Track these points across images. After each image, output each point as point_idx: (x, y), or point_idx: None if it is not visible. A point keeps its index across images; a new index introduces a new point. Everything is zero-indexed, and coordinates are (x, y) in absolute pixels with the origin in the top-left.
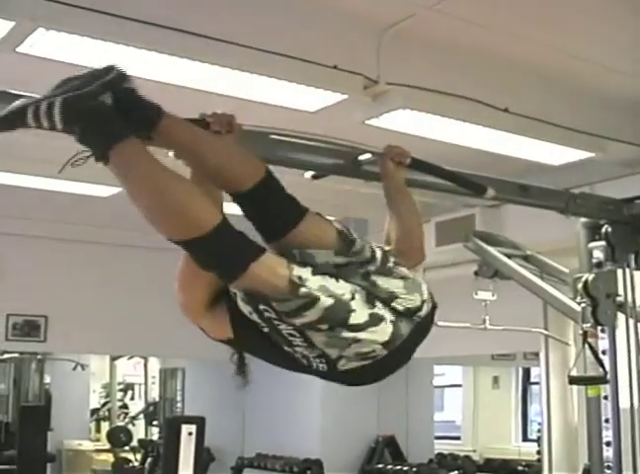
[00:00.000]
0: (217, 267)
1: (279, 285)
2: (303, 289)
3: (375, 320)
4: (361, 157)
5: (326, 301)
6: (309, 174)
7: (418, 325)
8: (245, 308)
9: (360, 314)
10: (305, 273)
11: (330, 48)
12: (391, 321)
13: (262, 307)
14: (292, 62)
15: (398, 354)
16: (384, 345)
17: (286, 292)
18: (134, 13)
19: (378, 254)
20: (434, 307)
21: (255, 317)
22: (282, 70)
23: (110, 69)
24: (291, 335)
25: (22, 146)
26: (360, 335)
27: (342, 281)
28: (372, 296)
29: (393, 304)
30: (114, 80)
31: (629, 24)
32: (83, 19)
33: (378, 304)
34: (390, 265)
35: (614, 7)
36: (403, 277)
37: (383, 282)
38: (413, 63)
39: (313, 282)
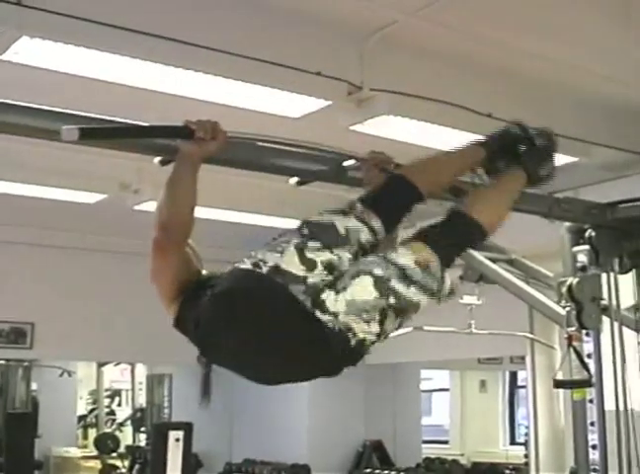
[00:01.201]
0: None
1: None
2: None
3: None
4: (346, 163)
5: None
6: (294, 180)
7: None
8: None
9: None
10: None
11: (314, 55)
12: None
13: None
14: (276, 69)
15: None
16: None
17: None
18: (119, 21)
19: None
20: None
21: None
22: (266, 77)
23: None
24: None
25: (8, 153)
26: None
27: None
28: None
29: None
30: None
31: (612, 29)
32: (67, 27)
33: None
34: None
35: (596, 12)
36: None
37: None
38: (396, 69)
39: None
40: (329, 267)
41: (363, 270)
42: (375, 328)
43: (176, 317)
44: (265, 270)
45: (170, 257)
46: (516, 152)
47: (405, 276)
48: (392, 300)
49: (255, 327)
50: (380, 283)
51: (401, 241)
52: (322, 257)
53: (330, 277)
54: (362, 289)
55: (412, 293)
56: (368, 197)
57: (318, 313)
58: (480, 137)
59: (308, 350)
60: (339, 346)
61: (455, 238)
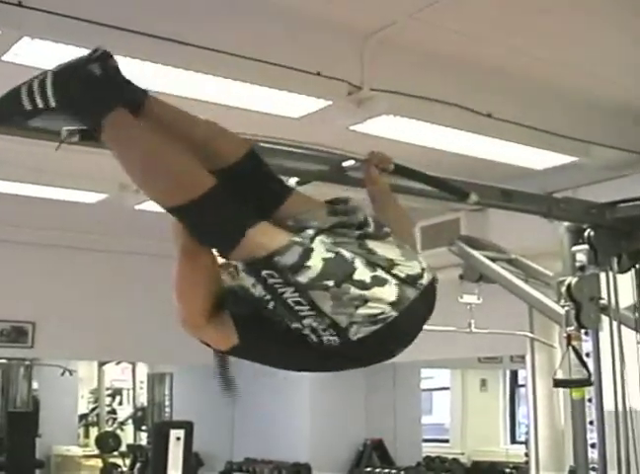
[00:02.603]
0: (213, 234)
1: (275, 244)
2: (303, 241)
3: (379, 281)
4: (345, 163)
5: (326, 253)
6: (294, 180)
7: (421, 293)
8: (248, 281)
9: (363, 273)
10: (304, 232)
11: (314, 55)
12: (395, 284)
13: (265, 273)
14: (276, 69)
15: (408, 317)
16: (393, 305)
17: (285, 246)
18: (118, 21)
19: (371, 219)
20: (434, 278)
21: (259, 289)
22: (266, 77)
23: (96, 49)
24: (297, 303)
25: (8, 153)
26: (368, 293)
27: (340, 247)
28: (372, 263)
29: (394, 271)
30: (100, 55)
31: (612, 29)
32: (69, 28)
33: (379, 270)
34: (386, 229)
35: (597, 13)
36: (399, 245)
37: (380, 250)
38: (396, 70)
39: (314, 239)
40: (371, 266)
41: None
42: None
43: (240, 338)
44: (393, 313)
45: (201, 260)
46: None
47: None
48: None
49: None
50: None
51: None
52: (364, 268)
53: None
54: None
55: None
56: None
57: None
58: None
59: None
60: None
61: None
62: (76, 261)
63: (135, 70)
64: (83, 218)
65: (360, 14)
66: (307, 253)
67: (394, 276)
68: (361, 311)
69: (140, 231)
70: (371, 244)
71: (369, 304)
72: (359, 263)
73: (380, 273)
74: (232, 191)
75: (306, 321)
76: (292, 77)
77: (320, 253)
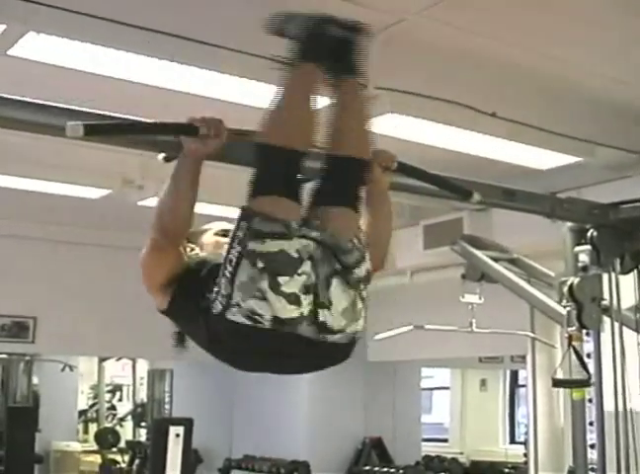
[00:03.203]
0: (260, 177)
1: (267, 215)
2: (279, 229)
3: (293, 299)
4: None
5: (289, 249)
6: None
7: (316, 342)
8: (233, 230)
9: (291, 285)
10: (303, 230)
11: None
12: (301, 314)
13: (242, 223)
14: (280, 67)
15: (276, 343)
16: (275, 320)
17: (275, 219)
18: (124, 17)
19: (363, 271)
20: (350, 343)
21: (233, 242)
22: (269, 74)
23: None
24: (230, 261)
25: (11, 147)
26: (271, 296)
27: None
28: (312, 288)
29: (319, 310)
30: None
31: (618, 30)
32: (74, 23)
33: (310, 297)
34: (362, 287)
35: (603, 12)
36: (357, 303)
37: (334, 290)
38: (401, 68)
39: (294, 237)
40: (307, 289)
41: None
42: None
43: (169, 305)
44: (267, 325)
45: (167, 256)
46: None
47: None
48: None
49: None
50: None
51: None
52: (297, 285)
53: (314, 298)
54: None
55: None
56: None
57: (324, 336)
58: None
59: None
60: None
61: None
62: (78, 256)
63: (141, 66)
64: (86, 214)
65: (366, 11)
66: (278, 236)
67: (314, 313)
68: (253, 302)
69: (143, 227)
70: (336, 283)
71: (263, 304)
72: (301, 279)
73: (308, 299)
74: (320, 171)
75: (222, 280)
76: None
77: (287, 244)
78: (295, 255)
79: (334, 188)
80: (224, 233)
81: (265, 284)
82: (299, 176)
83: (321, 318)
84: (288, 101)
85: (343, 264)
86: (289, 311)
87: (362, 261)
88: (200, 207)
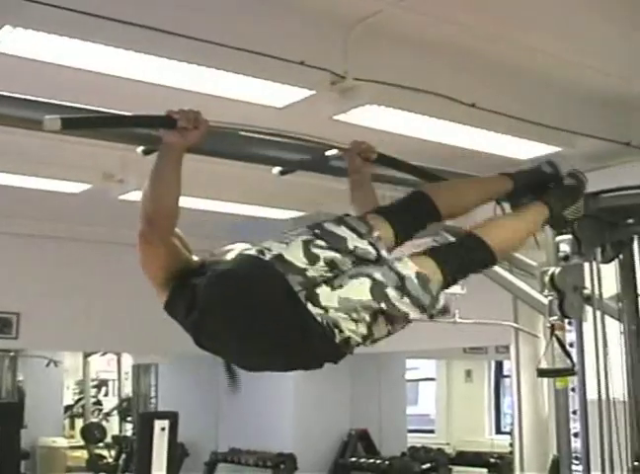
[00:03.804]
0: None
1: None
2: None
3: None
4: (328, 153)
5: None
6: (277, 170)
7: (301, 303)
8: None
9: (303, 257)
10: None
11: (297, 44)
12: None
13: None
14: (259, 58)
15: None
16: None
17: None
18: (102, 10)
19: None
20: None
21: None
22: (250, 66)
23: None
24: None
25: None
26: (282, 249)
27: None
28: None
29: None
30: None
31: (598, 20)
32: (49, 16)
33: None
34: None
35: (584, 3)
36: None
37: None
38: (380, 59)
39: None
40: (331, 264)
41: (363, 272)
42: (363, 329)
43: (167, 300)
44: (268, 257)
45: (156, 248)
46: (543, 188)
47: (402, 286)
48: (384, 305)
49: (247, 311)
50: (377, 287)
51: (410, 253)
52: (326, 254)
53: (329, 274)
54: (358, 290)
55: (403, 304)
56: (386, 208)
57: (309, 305)
58: (510, 170)
59: (293, 339)
60: (323, 339)
61: (465, 260)
62: (60, 251)
63: (119, 59)
64: (67, 208)
65: (344, 2)
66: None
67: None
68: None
69: (124, 221)
70: (339, 288)
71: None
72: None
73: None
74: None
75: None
76: (276, 66)
77: (403, 267)
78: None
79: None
80: None
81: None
82: None
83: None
84: None
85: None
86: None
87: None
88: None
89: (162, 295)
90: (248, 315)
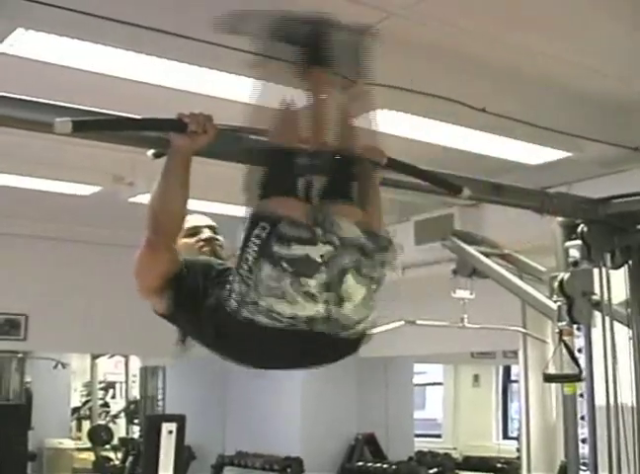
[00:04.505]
0: (258, 182)
1: (301, 216)
2: (306, 234)
3: (310, 298)
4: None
5: (310, 251)
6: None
7: (328, 338)
8: (247, 231)
9: (310, 284)
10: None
11: None
12: (317, 311)
13: (262, 224)
14: (268, 62)
15: (292, 338)
16: (293, 317)
17: (295, 226)
18: (111, 13)
19: (389, 255)
20: (360, 338)
21: (243, 234)
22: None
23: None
24: (247, 260)
25: (1, 145)
26: (291, 295)
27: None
28: (329, 287)
29: (333, 307)
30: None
31: (606, 25)
32: (62, 19)
33: (325, 295)
34: (380, 277)
35: (592, 8)
36: (365, 298)
37: (348, 287)
38: (390, 63)
39: (319, 243)
40: (323, 288)
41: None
42: None
43: (170, 304)
44: (284, 322)
45: (162, 255)
46: None
47: None
48: None
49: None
50: None
51: None
52: (316, 284)
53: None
54: None
55: None
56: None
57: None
58: None
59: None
60: None
61: None
62: (70, 253)
63: (129, 62)
64: (76, 211)
65: (353, 8)
66: (304, 241)
67: (328, 310)
68: (272, 301)
69: (134, 224)
70: (350, 278)
71: (282, 302)
72: (322, 277)
73: (324, 297)
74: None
75: (235, 278)
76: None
77: (312, 250)
78: (319, 259)
79: (335, 184)
80: (192, 232)
81: (286, 284)
82: (307, 174)
83: (334, 315)
84: (290, 104)
85: (367, 254)
86: (307, 309)
87: (388, 246)
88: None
89: (158, 302)
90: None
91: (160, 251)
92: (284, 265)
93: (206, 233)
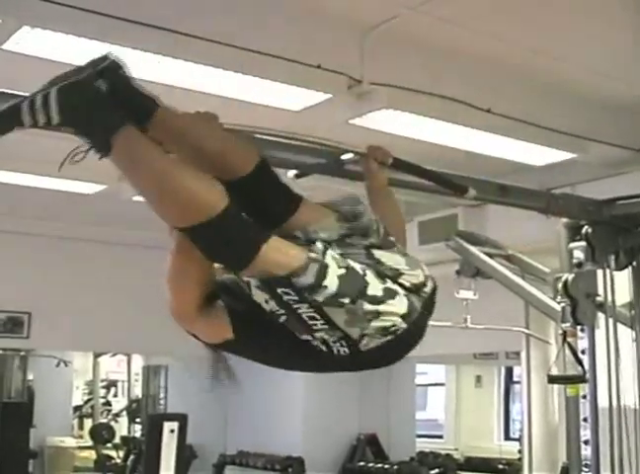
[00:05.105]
0: (227, 252)
1: (292, 264)
2: (317, 256)
3: (391, 293)
4: (344, 157)
5: (339, 270)
6: (292, 173)
7: (425, 301)
8: (261, 297)
9: (375, 286)
10: (315, 247)
11: (314, 48)
12: (404, 295)
13: (280, 290)
14: (276, 62)
15: (415, 328)
16: (404, 317)
17: (302, 266)
18: (119, 11)
19: (381, 226)
20: (435, 286)
21: (272, 304)
22: (267, 69)
23: (104, 58)
24: (312, 318)
25: (6, 143)
26: (381, 307)
27: (349, 260)
28: (381, 273)
29: (400, 280)
30: (109, 67)
31: (611, 26)
32: (68, 17)
33: (388, 281)
34: (391, 239)
35: (598, 9)
36: (403, 254)
37: (387, 259)
38: (396, 63)
39: (325, 254)
40: (380, 277)
41: None
42: None
43: (235, 333)
44: (403, 325)
45: (194, 256)
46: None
47: None
48: None
49: None
50: None
51: None
52: (375, 280)
53: None
54: None
55: None
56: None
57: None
58: None
59: None
60: None
61: None
62: (73, 252)
63: (136, 61)
64: (80, 209)
65: (361, 7)
66: (323, 271)
67: (402, 285)
68: (374, 324)
69: (137, 223)
70: (378, 253)
71: (382, 318)
72: (370, 275)
73: (389, 284)
74: (243, 204)
75: (319, 334)
76: (293, 70)
77: (334, 270)
78: (344, 269)
79: (272, 201)
80: None
81: (367, 306)
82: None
83: (408, 284)
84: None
85: (365, 233)
86: (401, 302)
87: (370, 217)
88: None
89: (195, 324)
90: None
91: (189, 251)
92: (341, 300)
93: None
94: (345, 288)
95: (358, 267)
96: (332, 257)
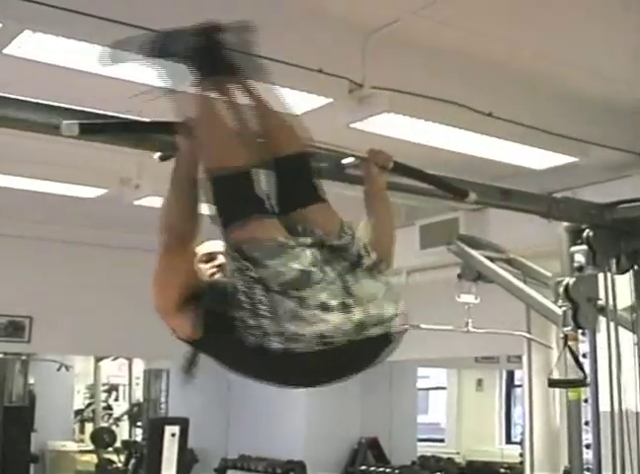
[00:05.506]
0: (225, 208)
1: (268, 244)
2: (292, 243)
3: (324, 308)
4: (345, 161)
5: (309, 266)
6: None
7: (357, 342)
8: (231, 265)
9: (314, 295)
10: (297, 240)
11: (315, 52)
12: (336, 319)
13: (246, 264)
14: (277, 65)
15: (353, 350)
16: (317, 335)
17: (274, 248)
18: (120, 15)
19: (372, 257)
20: (388, 332)
21: (237, 277)
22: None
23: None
24: (261, 301)
25: (8, 147)
26: (303, 312)
27: (329, 267)
28: (349, 290)
29: (349, 309)
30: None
31: (613, 29)
32: (69, 21)
33: (337, 300)
34: (381, 267)
35: (599, 12)
36: (386, 284)
37: (366, 282)
38: (398, 67)
39: (303, 251)
40: (330, 294)
41: None
42: None
43: (204, 330)
44: (313, 343)
45: (178, 260)
46: None
47: None
48: None
49: None
50: None
51: None
52: (319, 293)
53: None
54: None
55: None
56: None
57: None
58: None
59: None
60: None
61: None
62: (74, 255)
63: (137, 66)
64: (82, 213)
65: (362, 11)
66: (276, 255)
67: (347, 314)
68: (314, 329)
69: (139, 227)
70: (360, 274)
71: (300, 323)
72: (336, 285)
73: (336, 302)
74: (275, 179)
75: (263, 321)
76: (294, 74)
77: (303, 263)
78: (300, 266)
79: (293, 189)
80: (207, 258)
81: (291, 304)
82: (260, 190)
83: (355, 316)
84: (213, 123)
85: (347, 258)
86: (326, 321)
87: (362, 248)
88: None
89: (182, 325)
90: None
91: (175, 254)
92: (274, 286)
93: (220, 259)
94: (302, 282)
95: (330, 274)
96: (312, 253)
